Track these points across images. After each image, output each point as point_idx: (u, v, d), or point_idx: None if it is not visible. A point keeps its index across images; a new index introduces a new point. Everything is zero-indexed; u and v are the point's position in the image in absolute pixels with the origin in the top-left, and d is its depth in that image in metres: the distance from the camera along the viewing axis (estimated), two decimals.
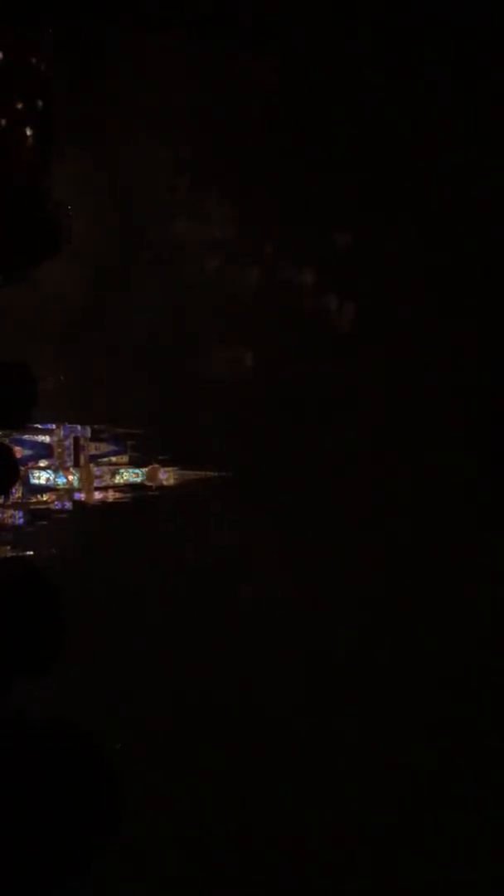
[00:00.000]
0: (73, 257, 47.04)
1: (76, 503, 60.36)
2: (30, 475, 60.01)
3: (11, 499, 58.65)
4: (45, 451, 60.63)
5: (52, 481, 60.14)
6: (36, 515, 59.16)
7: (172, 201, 47.29)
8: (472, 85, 41.16)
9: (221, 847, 40.77)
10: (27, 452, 59.27)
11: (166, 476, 61.92)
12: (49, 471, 60.47)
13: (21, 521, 58.88)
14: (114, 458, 61.82)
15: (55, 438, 60.71)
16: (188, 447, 57.04)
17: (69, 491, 60.53)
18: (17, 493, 58.82)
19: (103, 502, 61.67)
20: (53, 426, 60.66)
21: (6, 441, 54.06)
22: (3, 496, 57.88)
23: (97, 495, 61.58)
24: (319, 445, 49.90)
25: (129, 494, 61.23)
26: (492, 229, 43.52)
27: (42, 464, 60.64)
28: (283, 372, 49.51)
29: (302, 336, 48.39)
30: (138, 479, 61.70)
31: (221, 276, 48.98)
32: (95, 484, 61.30)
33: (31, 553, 53.76)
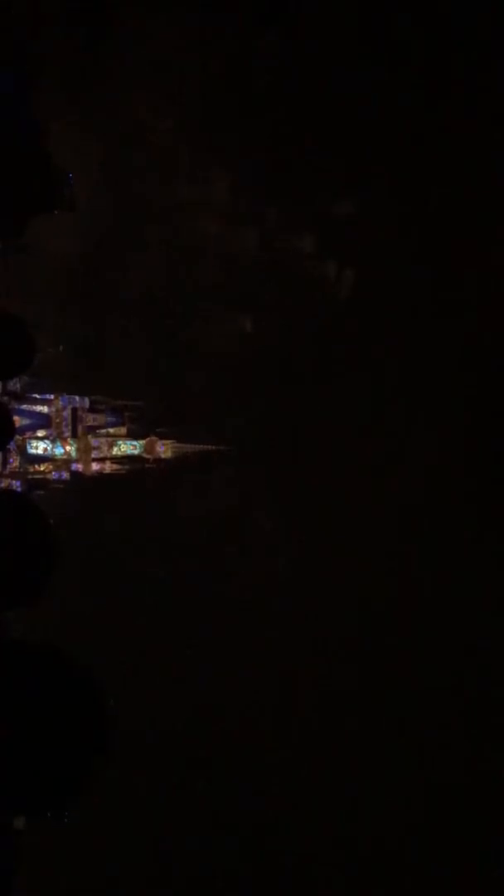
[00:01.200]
0: (74, 225, 46.71)
1: (73, 474, 60.23)
2: (27, 445, 59.86)
3: (9, 468, 58.60)
4: (44, 421, 60.43)
5: (49, 451, 59.97)
6: (33, 485, 59.04)
7: (175, 168, 46.88)
8: (474, 62, 40.92)
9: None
10: (25, 422, 59.09)
11: (164, 448, 61.76)
12: (47, 441, 60.28)
13: (18, 490, 58.77)
14: (112, 430, 61.59)
15: (53, 409, 60.49)
16: (186, 419, 56.84)
17: (67, 461, 60.36)
18: (14, 462, 58.76)
19: (100, 473, 61.53)
20: (52, 396, 60.44)
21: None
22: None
23: (94, 466, 61.39)
24: (317, 415, 49.62)
25: (126, 466, 61.09)
26: (490, 199, 43.20)
27: (40, 434, 60.45)
28: (282, 339, 49.18)
29: (301, 302, 48.08)
30: (136, 451, 61.53)
31: (221, 242, 48.62)
32: (93, 455, 61.12)
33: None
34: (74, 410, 61.03)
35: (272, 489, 55.61)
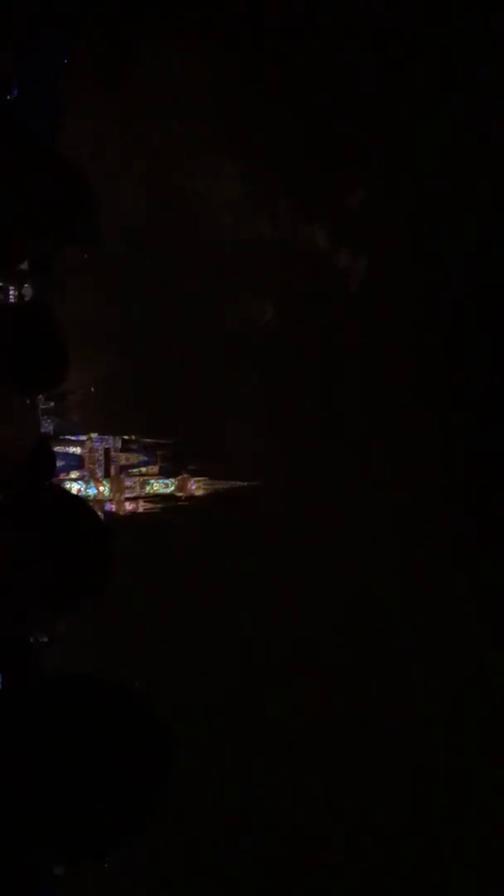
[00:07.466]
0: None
1: (107, 513, 60.65)
2: (62, 486, 60.46)
3: None
4: (76, 462, 61.31)
5: (83, 492, 60.54)
6: None
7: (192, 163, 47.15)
8: (481, 54, 41.09)
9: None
10: (59, 464, 59.76)
11: (196, 486, 62.16)
12: (80, 482, 61.02)
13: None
14: (144, 469, 62.22)
15: (86, 450, 61.43)
16: (214, 446, 56.78)
17: (100, 502, 60.93)
18: None
19: (134, 513, 62.10)
20: (84, 437, 61.41)
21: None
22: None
23: (128, 506, 62.03)
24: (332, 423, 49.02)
25: (159, 505, 61.51)
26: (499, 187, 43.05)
27: (73, 475, 61.26)
28: (299, 334, 48.91)
29: (313, 293, 47.88)
30: (168, 490, 61.99)
31: (234, 234, 48.70)
32: (126, 495, 61.75)
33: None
34: (107, 451, 61.90)
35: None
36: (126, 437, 63.05)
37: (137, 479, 62.90)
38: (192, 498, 62.80)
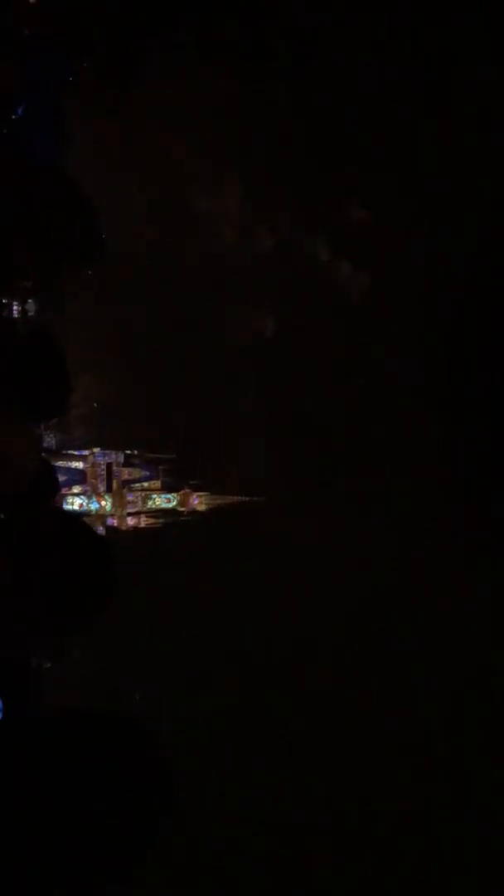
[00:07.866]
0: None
1: (109, 528, 60.21)
2: (64, 501, 60.13)
3: None
4: (79, 476, 60.82)
5: (85, 507, 60.14)
6: None
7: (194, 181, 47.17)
8: (478, 62, 41.38)
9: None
10: (61, 478, 59.38)
11: (198, 501, 61.63)
12: (83, 497, 60.52)
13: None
14: (146, 484, 61.70)
15: (89, 464, 60.91)
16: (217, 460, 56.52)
17: (102, 516, 60.44)
18: None
19: (135, 528, 61.46)
20: (87, 452, 60.95)
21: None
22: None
23: (130, 521, 61.36)
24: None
25: (161, 520, 60.97)
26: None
27: (76, 490, 60.77)
28: (300, 338, 48.72)
29: (315, 307, 47.85)
30: (171, 505, 61.49)
31: (237, 251, 48.75)
32: (128, 509, 61.18)
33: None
34: (109, 465, 61.30)
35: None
36: (129, 452, 62.54)
37: (139, 493, 62.32)
38: (194, 513, 62.30)
